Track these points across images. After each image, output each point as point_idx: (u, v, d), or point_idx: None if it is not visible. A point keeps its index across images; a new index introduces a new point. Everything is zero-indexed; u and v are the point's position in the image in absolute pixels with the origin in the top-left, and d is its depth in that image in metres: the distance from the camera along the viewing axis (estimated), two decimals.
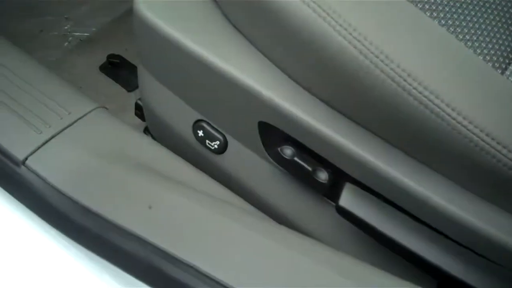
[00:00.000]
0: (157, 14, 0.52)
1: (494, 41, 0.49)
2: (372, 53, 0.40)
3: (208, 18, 0.51)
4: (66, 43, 0.90)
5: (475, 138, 0.39)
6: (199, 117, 0.56)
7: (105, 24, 0.93)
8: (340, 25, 0.41)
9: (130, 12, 0.93)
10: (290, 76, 0.47)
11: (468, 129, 0.39)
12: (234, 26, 0.51)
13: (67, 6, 0.95)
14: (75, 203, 0.48)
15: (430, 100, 0.39)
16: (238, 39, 0.50)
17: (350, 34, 0.40)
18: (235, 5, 0.49)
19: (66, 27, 0.92)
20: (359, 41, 0.40)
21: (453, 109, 0.39)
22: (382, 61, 0.40)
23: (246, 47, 0.50)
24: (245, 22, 0.49)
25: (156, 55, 0.55)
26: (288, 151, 0.49)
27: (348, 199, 0.47)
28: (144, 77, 0.59)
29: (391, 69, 0.40)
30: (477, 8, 0.50)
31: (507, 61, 0.49)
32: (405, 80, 0.40)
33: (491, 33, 0.49)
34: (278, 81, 0.48)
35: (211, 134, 0.55)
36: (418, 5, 0.49)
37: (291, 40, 0.43)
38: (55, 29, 0.91)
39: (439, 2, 0.49)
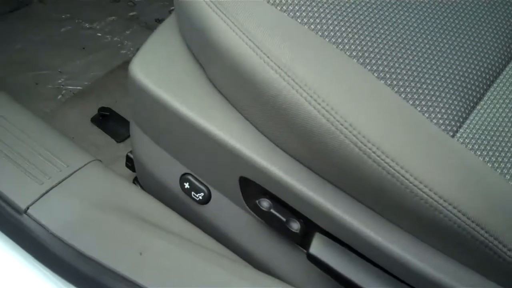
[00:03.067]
0: (149, 77, 0.58)
1: (447, 106, 0.55)
2: (337, 121, 0.46)
3: (196, 82, 0.58)
4: (60, 95, 0.96)
5: (425, 196, 0.46)
6: (186, 170, 0.61)
7: (96, 78, 1.00)
8: (311, 97, 0.47)
9: (120, 67, 1.01)
10: (267, 136, 0.54)
11: (419, 188, 0.46)
12: (219, 91, 0.57)
13: (61, 61, 1.01)
14: (72, 249, 0.53)
15: (386, 163, 0.46)
16: (221, 102, 0.56)
17: (319, 104, 0.47)
18: (219, 75, 0.55)
19: (60, 81, 0.98)
20: (327, 111, 0.47)
21: (406, 171, 0.46)
22: (346, 128, 0.46)
23: (228, 110, 0.56)
24: (228, 88, 0.55)
25: (147, 114, 0.61)
26: (265, 203, 0.55)
27: (317, 247, 0.52)
28: (136, 132, 0.65)
29: (354, 135, 0.46)
30: (432, 77, 0.57)
31: (458, 124, 0.55)
32: (365, 145, 0.46)
33: (444, 99, 0.56)
34: (257, 141, 0.54)
35: (196, 186, 0.61)
36: (380, 74, 0.55)
37: (267, 106, 0.50)
38: (49, 83, 0.97)
39: (398, 72, 0.55)
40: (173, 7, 0.59)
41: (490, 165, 0.51)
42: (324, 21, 0.54)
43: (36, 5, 1.10)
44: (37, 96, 0.95)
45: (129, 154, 0.74)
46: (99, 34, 1.07)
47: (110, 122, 0.94)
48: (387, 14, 0.57)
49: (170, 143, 0.61)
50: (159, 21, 1.11)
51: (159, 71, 0.59)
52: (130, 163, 0.74)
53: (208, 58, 0.56)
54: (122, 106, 0.95)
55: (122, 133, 0.92)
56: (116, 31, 1.08)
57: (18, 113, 0.69)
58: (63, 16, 1.09)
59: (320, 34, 0.53)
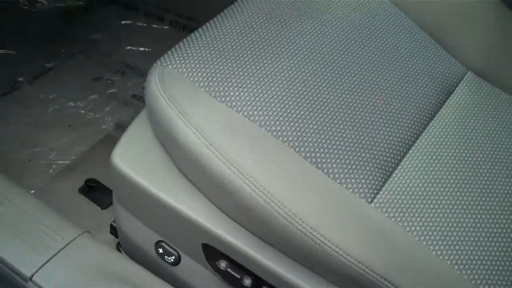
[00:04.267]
0: (127, 165, 0.72)
1: (366, 176, 0.69)
2: (272, 201, 0.61)
3: (164, 167, 0.72)
4: (51, 170, 1.10)
5: (343, 259, 0.60)
6: (159, 238, 0.76)
7: (82, 153, 1.14)
8: (254, 185, 0.62)
9: (101, 141, 1.15)
10: (222, 211, 0.68)
11: (338, 253, 0.60)
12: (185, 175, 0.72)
13: (50, 138, 1.15)
14: None
15: (310, 233, 0.60)
16: (185, 183, 0.71)
17: (260, 190, 0.62)
18: (181, 164, 0.70)
19: (50, 156, 1.13)
20: (264, 194, 0.61)
21: (327, 239, 0.60)
22: (279, 207, 0.61)
23: (190, 189, 0.70)
24: (189, 174, 0.70)
25: (126, 194, 0.76)
26: (223, 264, 0.70)
27: None
28: (117, 206, 0.79)
29: (285, 212, 0.61)
30: (352, 151, 0.71)
31: (375, 191, 0.69)
32: (293, 219, 0.61)
33: (363, 171, 0.70)
34: (214, 214, 0.68)
35: (168, 251, 0.75)
36: (307, 156, 0.70)
37: (219, 190, 0.65)
38: (41, 159, 1.12)
39: (321, 151, 0.70)
40: (162, 63, 0.74)
41: (404, 229, 0.64)
42: (266, 116, 0.69)
43: (26, 87, 1.25)
44: (31, 171, 1.09)
45: (112, 223, 0.89)
46: (83, 112, 1.22)
47: (96, 192, 1.08)
48: (317, 102, 0.72)
49: (145, 216, 0.76)
50: (135, 96, 1.26)
51: (135, 159, 0.73)
52: (113, 230, 0.89)
53: (173, 150, 0.70)
54: (105, 176, 1.09)
55: (106, 200, 1.07)
56: (97, 108, 1.23)
57: (18, 194, 0.82)
58: (50, 97, 1.24)
59: (264, 128, 0.68)
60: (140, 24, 1.43)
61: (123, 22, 1.43)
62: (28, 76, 1.27)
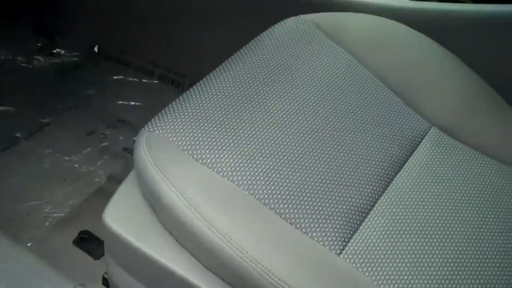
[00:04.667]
0: (117, 223, 0.80)
1: (335, 229, 0.76)
2: (247, 258, 0.68)
3: (154, 226, 0.79)
4: (47, 223, 1.18)
5: None
6: None
7: (76, 205, 1.21)
8: (231, 243, 0.69)
9: (94, 194, 1.22)
10: (204, 265, 0.75)
11: None
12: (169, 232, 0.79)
13: (46, 192, 1.23)
14: None
15: (282, 286, 0.67)
16: (170, 240, 0.78)
17: (236, 248, 0.69)
18: (165, 221, 0.77)
19: (46, 210, 1.20)
20: (240, 252, 0.69)
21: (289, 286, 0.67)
22: (253, 263, 0.68)
23: (176, 246, 0.77)
24: (171, 230, 0.77)
25: (116, 249, 0.82)
26: None
27: None
28: (109, 259, 0.86)
29: (259, 268, 0.68)
30: (323, 206, 0.78)
31: (344, 243, 0.76)
32: (267, 274, 0.68)
33: (332, 224, 0.77)
34: (197, 269, 0.75)
35: None
36: (280, 213, 0.77)
37: (201, 248, 0.72)
38: (38, 212, 1.19)
39: (293, 207, 0.77)
40: (149, 129, 0.82)
41: (372, 279, 0.70)
42: (243, 177, 0.76)
43: (23, 143, 1.33)
44: (28, 224, 1.16)
45: (104, 274, 0.95)
46: (77, 165, 1.29)
47: (89, 243, 1.15)
48: (289, 161, 0.80)
49: (135, 270, 0.82)
50: (126, 150, 1.34)
51: (124, 218, 0.80)
52: (105, 281, 0.95)
53: (158, 210, 0.78)
54: (97, 227, 1.16)
55: (98, 251, 1.13)
56: (90, 162, 1.31)
57: (15, 250, 0.89)
58: (46, 151, 1.31)
59: (241, 187, 0.75)
60: (131, 79, 1.51)
61: (115, 77, 1.51)
62: (25, 131, 1.35)
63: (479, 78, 1.05)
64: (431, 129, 0.94)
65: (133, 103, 1.45)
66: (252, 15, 1.27)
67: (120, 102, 1.45)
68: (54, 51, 1.55)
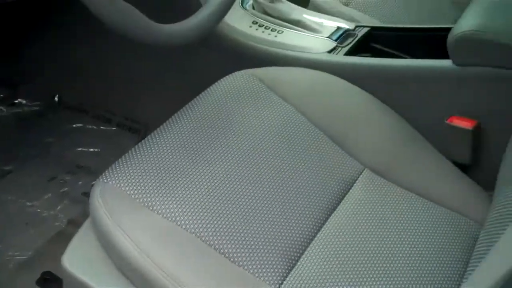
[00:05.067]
0: (74, 267, 0.88)
1: (273, 266, 0.86)
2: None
3: (108, 268, 0.88)
4: (11, 265, 1.25)
5: None
6: None
7: (38, 248, 1.29)
8: (177, 283, 0.79)
9: (55, 238, 1.29)
10: None
11: None
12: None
13: (10, 236, 1.30)
14: None
15: None
16: (124, 282, 0.87)
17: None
18: (120, 267, 0.86)
19: (10, 253, 1.28)
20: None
21: None
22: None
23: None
24: (127, 274, 0.86)
25: None
26: None
27: None
28: None
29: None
30: (262, 245, 0.88)
31: (281, 279, 0.86)
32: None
33: (270, 261, 0.86)
34: None
35: None
36: (224, 252, 0.86)
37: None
38: (2, 255, 1.27)
39: (235, 245, 0.86)
40: (103, 180, 0.91)
41: None
42: (190, 221, 0.86)
43: None
44: None
45: None
46: (38, 210, 1.37)
47: (51, 283, 1.23)
48: (233, 205, 0.90)
49: None
50: (85, 194, 1.42)
51: (81, 263, 0.89)
52: None
53: (112, 256, 0.87)
54: (58, 268, 1.23)
55: None
56: (51, 207, 1.39)
57: None
58: (9, 198, 1.39)
59: (189, 231, 0.85)
60: (89, 126, 1.60)
61: (74, 125, 1.60)
62: None
63: (405, 122, 1.17)
64: (364, 170, 1.05)
65: (92, 149, 1.54)
66: (201, 70, 1.37)
67: (80, 149, 1.54)
68: (16, 101, 1.63)
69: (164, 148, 0.96)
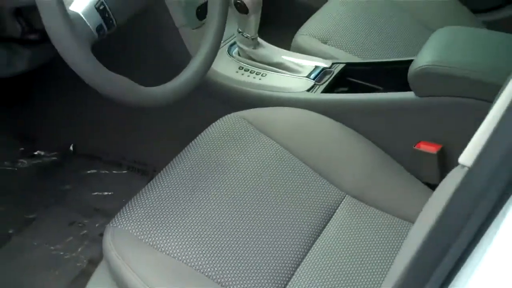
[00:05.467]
0: None
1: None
2: None
3: None
4: None
5: None
6: None
7: None
8: None
9: (78, 277, 1.44)
10: None
11: None
12: None
13: (37, 281, 1.46)
14: None
15: None
16: None
17: None
18: None
19: None
20: None
21: None
22: None
23: None
24: None
25: None
26: None
27: None
28: None
29: None
30: (251, 271, 1.02)
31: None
32: None
33: (258, 285, 1.01)
34: None
35: None
36: (219, 282, 1.01)
37: None
38: None
39: (229, 274, 1.01)
40: (113, 225, 1.06)
41: None
42: (188, 255, 1.00)
43: (14, 238, 1.56)
44: None
45: None
46: (61, 253, 1.52)
47: None
48: (229, 240, 1.04)
49: None
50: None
51: None
52: None
53: None
54: None
55: None
56: (73, 249, 1.54)
57: None
58: (35, 243, 1.54)
59: (191, 266, 1.00)
60: (103, 171, 1.76)
61: (88, 171, 1.76)
62: (15, 227, 1.57)
63: (379, 149, 1.31)
64: (346, 197, 1.19)
65: (106, 193, 1.69)
66: (196, 113, 1.52)
67: (95, 193, 1.69)
68: (35, 153, 1.79)
69: (165, 191, 1.11)
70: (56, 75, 1.42)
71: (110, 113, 1.68)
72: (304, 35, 1.62)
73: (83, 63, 0.90)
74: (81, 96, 1.71)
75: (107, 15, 0.95)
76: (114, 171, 1.76)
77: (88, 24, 0.92)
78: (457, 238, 0.54)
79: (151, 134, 1.69)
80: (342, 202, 1.19)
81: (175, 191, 1.12)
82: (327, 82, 1.44)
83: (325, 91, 1.42)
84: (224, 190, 1.13)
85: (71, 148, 1.82)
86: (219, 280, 0.99)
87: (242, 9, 1.41)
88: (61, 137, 1.82)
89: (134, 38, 1.34)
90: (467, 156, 0.69)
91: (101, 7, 0.94)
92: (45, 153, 1.81)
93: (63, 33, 0.86)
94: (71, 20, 0.87)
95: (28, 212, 1.63)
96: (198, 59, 1.14)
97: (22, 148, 1.81)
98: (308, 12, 1.73)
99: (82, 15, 0.91)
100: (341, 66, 1.48)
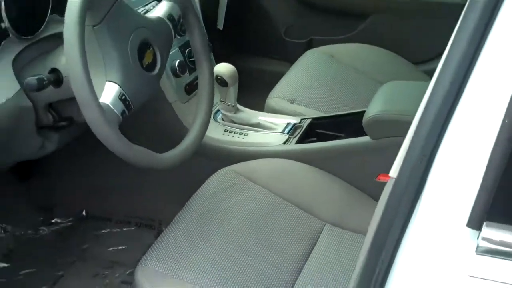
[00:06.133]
0: None
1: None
2: None
3: None
4: None
5: None
6: None
7: None
8: None
9: None
10: None
11: None
12: None
13: None
14: None
15: None
16: None
17: None
18: None
19: None
20: None
21: None
22: None
23: None
24: None
25: None
26: None
27: None
28: None
29: None
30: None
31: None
32: None
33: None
34: None
35: None
36: None
37: None
38: None
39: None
40: (141, 265, 1.34)
41: None
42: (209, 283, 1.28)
43: None
44: None
45: None
46: None
47: None
48: (234, 268, 1.32)
49: None
50: (124, 282, 1.84)
51: None
52: None
53: None
54: None
55: None
56: None
57: None
58: None
59: None
60: (114, 230, 2.03)
61: (102, 231, 2.03)
62: (47, 284, 1.83)
63: (348, 184, 1.62)
64: (325, 225, 1.48)
65: (120, 247, 1.96)
66: (192, 170, 1.81)
67: (110, 248, 1.96)
68: (53, 221, 2.06)
69: (180, 236, 1.40)
70: (68, 150, 1.70)
71: (115, 180, 1.97)
72: (274, 97, 1.97)
73: (114, 141, 1.19)
74: (89, 168, 2.02)
75: (127, 103, 1.25)
76: (124, 228, 2.03)
77: (115, 111, 1.22)
78: (388, 236, 0.74)
79: (153, 192, 1.98)
80: (323, 229, 1.48)
81: (188, 235, 1.40)
82: (298, 135, 1.76)
83: (298, 142, 1.75)
84: (227, 230, 1.42)
85: (83, 213, 2.09)
86: None
87: (223, 83, 1.73)
88: (75, 205, 2.10)
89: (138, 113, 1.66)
90: (394, 169, 0.84)
91: (123, 97, 1.24)
92: (61, 220, 2.07)
93: (98, 121, 1.16)
94: (104, 111, 1.17)
95: (56, 270, 1.88)
96: (195, 129, 1.45)
97: (41, 218, 2.07)
98: (275, 78, 2.10)
99: (110, 105, 1.21)
100: (309, 120, 1.82)
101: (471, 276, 0.64)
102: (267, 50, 2.54)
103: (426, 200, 0.71)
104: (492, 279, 0.63)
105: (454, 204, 0.68)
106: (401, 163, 0.79)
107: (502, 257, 0.63)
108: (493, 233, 0.64)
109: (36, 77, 1.24)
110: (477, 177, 0.66)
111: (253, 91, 2.01)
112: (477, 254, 0.65)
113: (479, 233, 0.65)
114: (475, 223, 0.65)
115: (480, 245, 0.64)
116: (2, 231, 1.99)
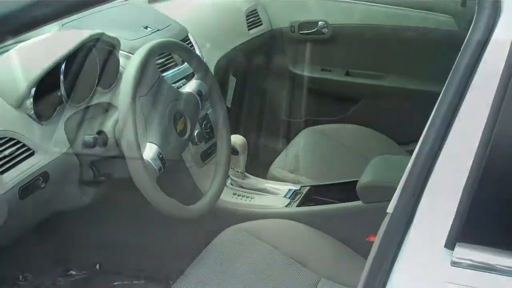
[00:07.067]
0: None
1: None
2: None
3: None
4: None
5: None
6: None
7: None
8: None
9: None
10: None
11: None
12: None
13: None
14: None
15: None
16: None
17: None
18: None
19: None
20: None
21: None
22: None
23: None
24: None
25: None
26: None
27: None
28: None
29: None
30: None
31: None
32: None
33: None
34: None
35: None
36: None
37: None
38: None
39: None
40: None
41: None
42: None
43: None
44: None
45: None
46: None
47: None
48: None
49: None
50: None
51: None
52: None
53: None
54: None
55: None
56: None
57: None
58: None
59: None
60: (125, 282, 2.22)
61: (114, 283, 2.22)
62: None
63: (341, 243, 1.86)
64: (321, 280, 1.70)
65: None
66: (203, 228, 2.03)
67: None
68: (68, 273, 2.26)
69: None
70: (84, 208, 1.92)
71: (125, 236, 2.18)
72: (277, 168, 2.23)
73: (153, 192, 1.43)
74: (101, 225, 2.23)
75: (163, 160, 1.50)
76: (134, 281, 2.22)
77: (155, 167, 1.47)
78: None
79: (161, 248, 2.18)
80: (319, 283, 1.70)
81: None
82: (299, 200, 2.02)
83: (298, 206, 2.00)
84: (235, 283, 1.63)
85: (97, 267, 2.29)
86: None
87: (234, 151, 1.99)
88: (88, 259, 2.29)
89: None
90: (391, 205, 1.04)
91: (161, 156, 1.49)
92: (76, 272, 2.26)
93: (141, 175, 1.40)
94: (147, 167, 1.41)
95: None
96: (217, 181, 1.70)
97: (59, 270, 2.26)
98: (274, 152, 2.42)
99: (151, 162, 1.46)
100: (307, 187, 2.07)
101: (447, 282, 0.90)
102: (268, 127, 2.85)
103: (414, 231, 0.96)
104: (463, 284, 0.89)
105: (434, 233, 0.93)
106: (396, 201, 1.02)
107: (470, 268, 0.89)
108: (462, 251, 0.90)
109: (92, 136, 1.49)
110: (451, 213, 0.91)
111: (258, 161, 2.28)
112: (451, 266, 0.90)
113: (453, 252, 0.90)
114: (450, 244, 0.90)
115: (453, 260, 0.90)
116: (23, 279, 2.17)
